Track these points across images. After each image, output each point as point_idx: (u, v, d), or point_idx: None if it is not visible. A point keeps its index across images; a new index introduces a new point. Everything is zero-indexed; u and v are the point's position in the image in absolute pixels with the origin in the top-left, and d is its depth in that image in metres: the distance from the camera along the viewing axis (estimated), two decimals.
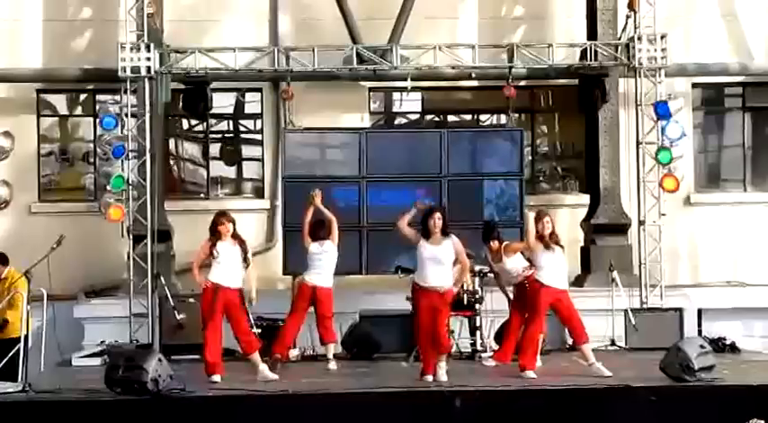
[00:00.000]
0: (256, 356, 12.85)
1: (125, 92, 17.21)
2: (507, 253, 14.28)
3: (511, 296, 14.45)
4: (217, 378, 12.54)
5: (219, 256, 12.68)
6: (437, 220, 12.33)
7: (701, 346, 12.06)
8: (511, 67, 17.57)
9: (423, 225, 12.42)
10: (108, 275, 18.45)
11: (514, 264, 14.30)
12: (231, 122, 20.06)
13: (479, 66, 17.80)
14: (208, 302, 12.65)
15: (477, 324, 15.17)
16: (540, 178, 20.09)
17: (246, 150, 19.99)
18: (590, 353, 12.79)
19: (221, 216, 12.88)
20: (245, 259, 12.77)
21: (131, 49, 17.18)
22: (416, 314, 12.65)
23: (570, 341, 15.45)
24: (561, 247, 12.87)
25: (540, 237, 12.77)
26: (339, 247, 14.48)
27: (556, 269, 12.74)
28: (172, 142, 19.81)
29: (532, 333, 12.83)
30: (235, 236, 12.80)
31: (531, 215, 13.04)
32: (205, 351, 12.67)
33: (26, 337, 12.30)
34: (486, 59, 17.74)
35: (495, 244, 14.42)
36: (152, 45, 17.25)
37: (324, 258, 14.33)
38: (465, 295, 14.83)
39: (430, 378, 12.44)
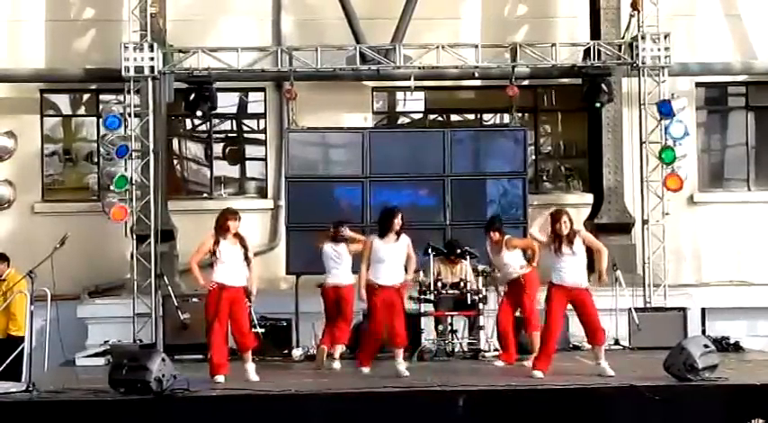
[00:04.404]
0: (248, 355, 12.82)
1: (128, 92, 17.22)
2: (509, 247, 14.33)
3: (501, 291, 14.52)
4: (220, 378, 12.51)
5: (222, 256, 12.64)
6: (400, 221, 13.07)
7: (705, 346, 12.04)
8: (514, 67, 17.56)
9: (382, 224, 13.18)
10: (111, 275, 18.46)
11: (512, 259, 14.32)
12: (234, 122, 20.07)
13: (482, 65, 17.79)
14: (213, 303, 12.60)
15: (481, 324, 15.18)
16: (544, 177, 20.08)
17: (250, 150, 19.99)
18: (601, 354, 12.75)
19: (232, 214, 12.80)
20: (247, 257, 12.75)
21: (134, 48, 17.19)
22: (371, 311, 13.33)
23: (574, 341, 15.50)
24: (571, 244, 12.63)
25: (555, 237, 12.67)
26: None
27: (570, 269, 12.53)
28: (175, 142, 19.83)
29: (548, 335, 12.76)
30: (235, 234, 12.77)
31: (544, 216, 12.93)
32: (212, 352, 12.63)
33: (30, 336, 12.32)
34: (489, 59, 17.74)
35: (495, 235, 14.45)
36: (155, 45, 17.26)
37: (338, 258, 14.37)
38: (468, 295, 14.84)
39: (367, 370, 13.18)
